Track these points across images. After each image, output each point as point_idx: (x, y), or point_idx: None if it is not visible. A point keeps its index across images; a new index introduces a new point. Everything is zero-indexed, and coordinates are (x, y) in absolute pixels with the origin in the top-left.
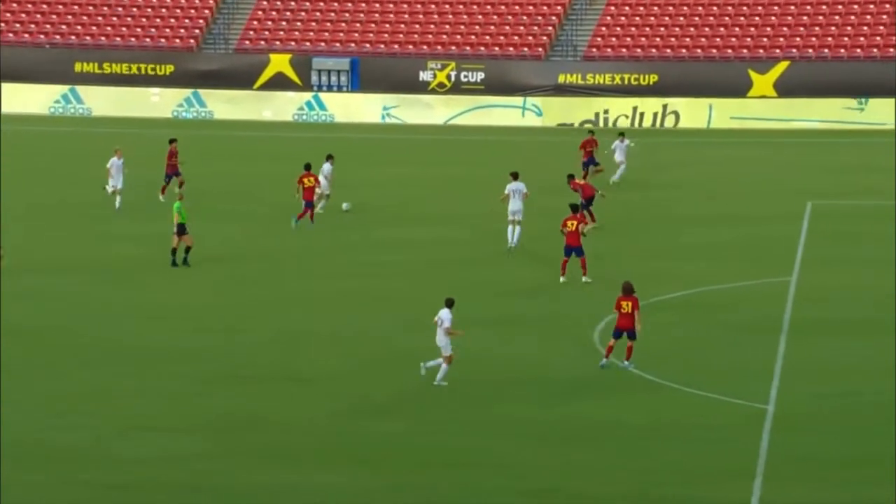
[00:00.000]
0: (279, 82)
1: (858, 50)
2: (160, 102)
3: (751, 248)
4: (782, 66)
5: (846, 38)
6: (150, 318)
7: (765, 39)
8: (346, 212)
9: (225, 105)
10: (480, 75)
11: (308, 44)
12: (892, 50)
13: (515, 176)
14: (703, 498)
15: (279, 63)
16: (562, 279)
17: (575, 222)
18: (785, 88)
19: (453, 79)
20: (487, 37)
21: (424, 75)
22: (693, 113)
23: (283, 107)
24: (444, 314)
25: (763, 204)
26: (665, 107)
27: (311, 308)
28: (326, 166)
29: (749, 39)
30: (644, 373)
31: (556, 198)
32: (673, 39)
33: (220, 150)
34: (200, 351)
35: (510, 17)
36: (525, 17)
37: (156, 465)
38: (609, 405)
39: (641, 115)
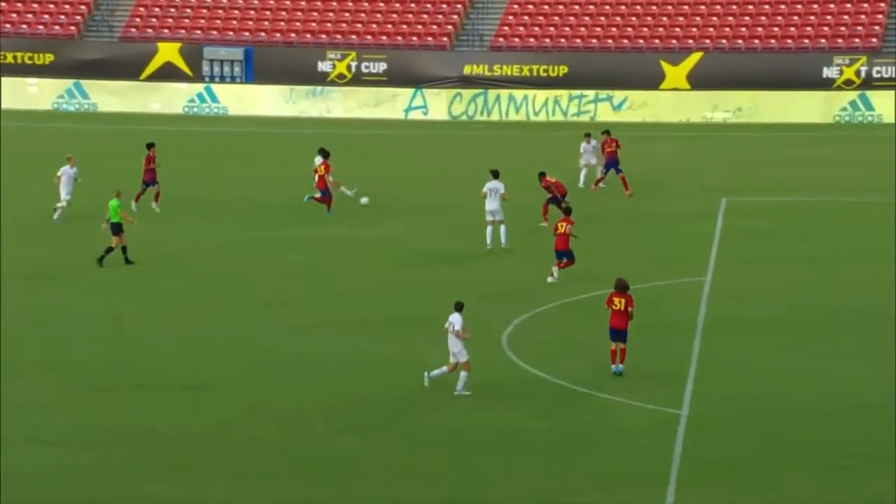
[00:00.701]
0: (168, 73)
1: (773, 41)
2: (38, 94)
3: (664, 247)
4: (695, 58)
5: (760, 29)
6: (41, 324)
7: (677, 30)
8: (365, 206)
9: (109, 97)
10: (382, 66)
11: (199, 32)
12: (806, 41)
13: (495, 175)
14: None
15: (168, 52)
16: (549, 279)
17: (565, 225)
18: (698, 80)
19: (354, 69)
20: (390, 25)
21: (323, 66)
22: (605, 105)
23: (173, 99)
24: (455, 318)
25: (677, 201)
26: (575, 98)
27: (206, 311)
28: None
29: (661, 30)
30: (556, 378)
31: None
32: (583, 29)
33: (104, 145)
34: (91, 360)
35: (413, 6)
36: (429, 6)
37: (46, 480)
38: (519, 411)
39: (551, 107)
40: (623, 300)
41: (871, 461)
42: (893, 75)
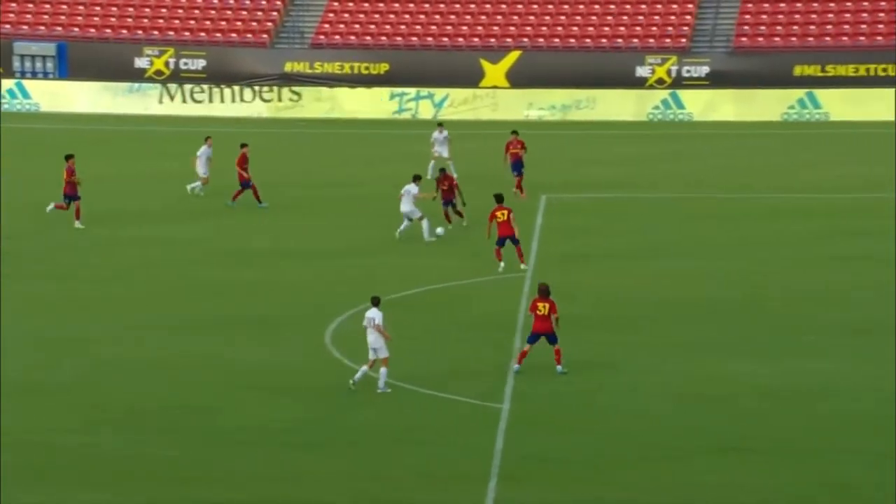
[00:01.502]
0: None
1: (588, 40)
2: None
3: (486, 244)
4: (514, 56)
5: (576, 29)
6: None
7: (496, 29)
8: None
9: None
10: (201, 63)
11: (8, 26)
12: (620, 41)
13: (415, 179)
14: (438, 501)
15: None
16: (501, 265)
17: (506, 212)
18: (516, 78)
19: (172, 66)
20: (208, 22)
21: (140, 62)
22: (426, 103)
23: None
24: (375, 314)
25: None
26: (396, 96)
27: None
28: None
29: (480, 28)
30: (377, 374)
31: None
32: (403, 27)
33: None
34: None
35: (232, 2)
36: (248, 2)
37: None
38: (340, 409)
39: (373, 105)
40: (547, 305)
41: (684, 452)
42: (702, 75)
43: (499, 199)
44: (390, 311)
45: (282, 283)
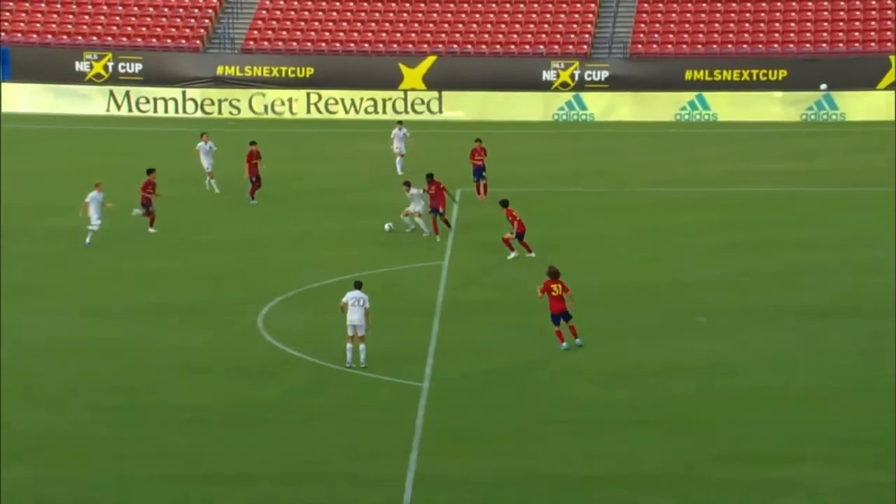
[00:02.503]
0: None
1: (498, 46)
2: None
3: (405, 234)
4: (430, 61)
5: (487, 36)
6: None
7: (413, 35)
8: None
9: None
10: (139, 66)
11: None
12: (527, 47)
13: (407, 185)
14: (363, 474)
15: None
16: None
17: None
18: (433, 81)
19: (111, 69)
20: (144, 28)
21: (81, 66)
22: (349, 104)
23: None
24: (360, 295)
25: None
26: (321, 98)
27: None
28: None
29: (399, 35)
30: (307, 356)
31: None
32: (328, 34)
33: None
34: None
35: (167, 10)
36: (182, 10)
37: None
38: (273, 388)
39: (300, 106)
40: (559, 285)
41: (592, 426)
42: (602, 79)
43: (504, 203)
44: (319, 298)
45: (216, 270)
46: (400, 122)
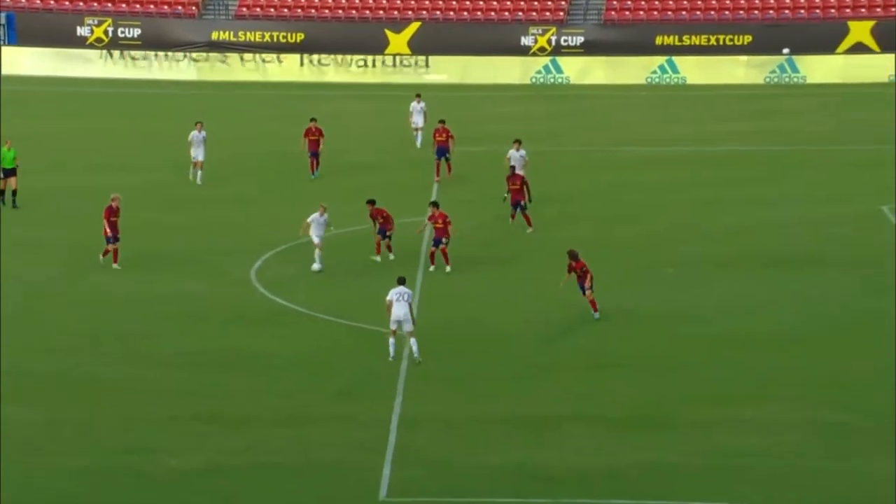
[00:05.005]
0: None
1: (479, 13)
2: None
3: (390, 191)
4: (414, 27)
5: (468, 3)
6: None
7: (399, 2)
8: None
9: None
10: (137, 31)
11: None
12: (507, 14)
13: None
14: (351, 415)
15: None
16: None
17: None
18: (417, 46)
19: (111, 35)
20: None
21: (82, 31)
22: (341, 69)
23: None
24: (404, 290)
25: (400, 152)
26: (312, 62)
27: None
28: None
29: (385, 2)
30: (298, 306)
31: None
32: (317, 1)
33: None
34: None
35: None
36: None
37: None
38: (265, 336)
39: (291, 69)
40: (581, 265)
41: (555, 369)
42: (577, 44)
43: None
44: (308, 252)
45: (209, 225)
46: (418, 95)
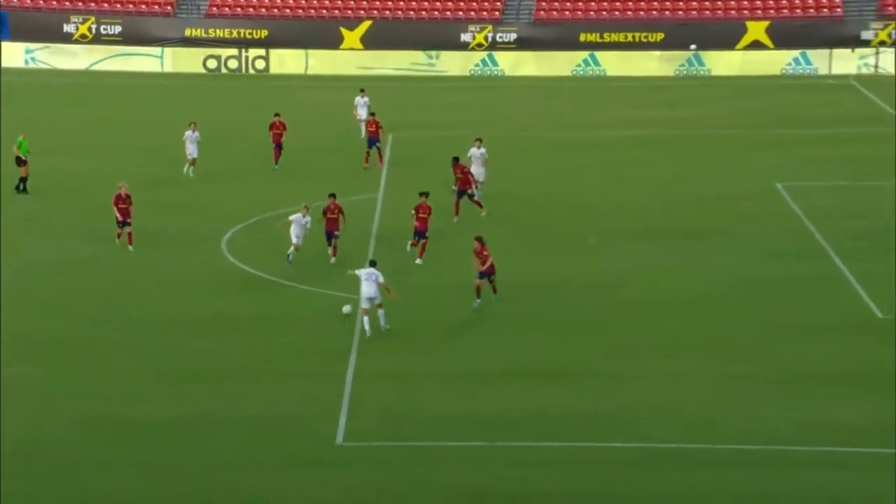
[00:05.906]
0: None
1: (424, 13)
2: None
3: (345, 172)
4: (366, 25)
5: (414, 3)
6: None
7: (352, 2)
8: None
9: None
10: (118, 28)
11: None
12: (448, 13)
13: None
14: (311, 371)
15: None
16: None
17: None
18: (370, 42)
19: (94, 31)
20: None
21: (68, 27)
22: (295, 61)
23: None
24: (374, 271)
25: (354, 138)
26: (275, 56)
27: None
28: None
29: (340, 2)
30: (264, 273)
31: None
32: (279, 1)
33: None
34: None
35: None
36: None
37: None
38: (235, 301)
39: (256, 63)
40: (483, 249)
41: (492, 329)
42: (511, 40)
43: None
44: (273, 224)
45: (182, 203)
46: (362, 90)
